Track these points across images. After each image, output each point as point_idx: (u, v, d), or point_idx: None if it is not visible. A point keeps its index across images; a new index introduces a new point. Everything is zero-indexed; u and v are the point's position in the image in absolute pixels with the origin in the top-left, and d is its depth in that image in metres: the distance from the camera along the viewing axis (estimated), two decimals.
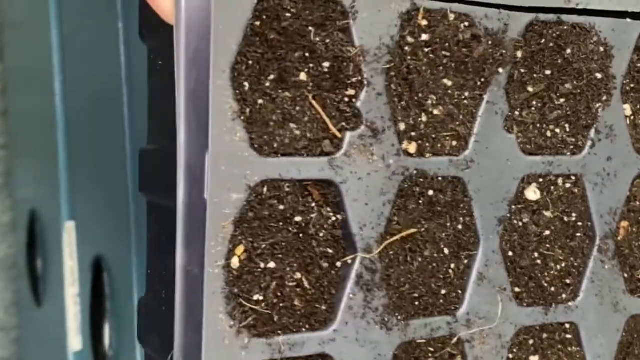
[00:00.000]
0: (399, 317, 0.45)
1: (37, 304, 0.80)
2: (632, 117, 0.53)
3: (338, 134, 0.43)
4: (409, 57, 0.45)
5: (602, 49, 0.51)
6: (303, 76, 0.42)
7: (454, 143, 0.47)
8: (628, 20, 0.52)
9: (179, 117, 0.39)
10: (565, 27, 0.50)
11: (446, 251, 0.47)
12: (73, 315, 0.67)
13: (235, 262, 0.40)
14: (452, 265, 0.48)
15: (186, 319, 0.40)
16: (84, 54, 0.60)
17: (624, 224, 0.53)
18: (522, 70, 0.49)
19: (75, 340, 0.67)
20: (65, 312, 0.67)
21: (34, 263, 0.78)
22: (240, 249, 0.41)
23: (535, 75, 0.50)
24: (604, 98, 0.52)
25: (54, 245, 0.70)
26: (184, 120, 0.39)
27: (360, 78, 0.43)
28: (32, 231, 0.79)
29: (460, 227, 0.48)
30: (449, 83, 0.47)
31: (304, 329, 0.43)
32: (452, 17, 0.46)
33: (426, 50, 0.46)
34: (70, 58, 0.64)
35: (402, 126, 0.45)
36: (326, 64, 0.42)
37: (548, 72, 0.50)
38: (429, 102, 0.46)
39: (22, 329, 0.92)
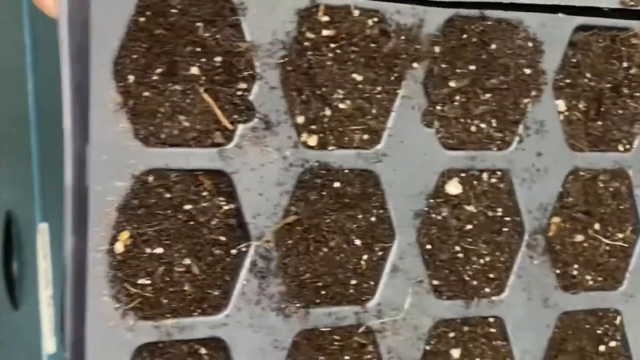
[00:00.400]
0: (298, 305, 0.45)
1: (14, 307, 0.77)
2: (567, 113, 0.51)
3: (229, 126, 0.43)
4: (309, 53, 0.44)
5: (530, 44, 0.49)
6: (194, 70, 0.42)
7: (365, 136, 0.46)
8: (560, 15, 0.50)
9: (65, 109, 0.40)
10: (490, 23, 0.48)
11: (358, 242, 0.47)
12: (47, 318, 0.66)
13: (119, 247, 0.41)
14: (365, 257, 0.47)
15: (75, 303, 0.41)
16: (57, 54, 0.60)
17: (556, 219, 0.51)
18: (443, 65, 0.48)
19: (50, 343, 0.65)
20: (40, 315, 0.67)
21: (10, 266, 0.77)
22: (124, 235, 0.41)
23: (457, 71, 0.48)
24: (534, 93, 0.50)
25: (29, 248, 0.70)
26: (69, 111, 0.40)
27: (252, 72, 0.43)
28: (9, 233, 0.77)
29: (373, 219, 0.47)
30: (359, 77, 0.46)
31: (195, 314, 0.43)
32: (356, 12, 0.45)
33: (331, 45, 0.45)
34: (44, 58, 0.65)
35: (300, 119, 0.44)
36: (218, 59, 0.42)
37: (472, 67, 0.48)
38: (335, 96, 0.45)
39: (0, 333, 0.86)
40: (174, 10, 0.41)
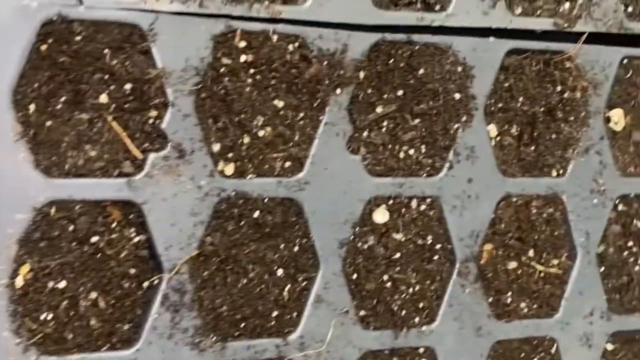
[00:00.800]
0: (214, 339, 0.42)
1: None
2: (498, 138, 0.48)
3: (139, 155, 0.40)
4: (226, 79, 0.42)
5: (460, 69, 0.46)
6: (103, 98, 0.39)
7: (287, 164, 0.43)
8: (491, 39, 0.47)
9: None
10: (417, 47, 0.46)
11: (280, 273, 0.44)
12: None
13: (19, 281, 0.38)
14: (287, 287, 0.44)
15: None
16: None
17: (488, 247, 0.48)
18: (369, 91, 0.45)
19: None
20: None
21: None
22: (25, 268, 0.38)
23: (385, 96, 0.45)
24: (464, 119, 0.47)
25: None
26: None
27: (164, 99, 0.40)
28: None
29: (296, 248, 0.44)
30: (280, 104, 0.43)
31: (103, 349, 0.40)
32: (275, 38, 0.42)
33: (250, 71, 0.42)
34: None
35: (216, 147, 0.41)
36: (128, 86, 0.39)
37: (400, 93, 0.46)
38: (254, 123, 0.42)
39: None
40: (78, 38, 0.38)
